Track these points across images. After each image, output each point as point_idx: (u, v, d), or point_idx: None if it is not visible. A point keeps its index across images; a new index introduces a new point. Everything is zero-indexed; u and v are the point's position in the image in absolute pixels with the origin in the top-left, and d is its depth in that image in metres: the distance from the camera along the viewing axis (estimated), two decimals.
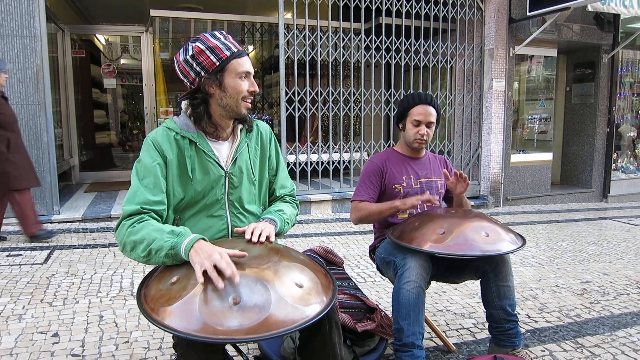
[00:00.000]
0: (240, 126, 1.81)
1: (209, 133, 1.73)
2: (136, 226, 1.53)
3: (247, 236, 1.60)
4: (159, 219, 1.62)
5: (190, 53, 1.65)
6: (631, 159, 8.70)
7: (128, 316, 2.77)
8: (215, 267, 1.35)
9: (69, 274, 3.48)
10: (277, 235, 1.79)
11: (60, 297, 3.05)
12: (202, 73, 1.65)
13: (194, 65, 1.65)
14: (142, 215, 1.57)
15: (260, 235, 1.60)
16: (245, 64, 1.68)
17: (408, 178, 2.41)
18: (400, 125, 2.47)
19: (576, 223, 6.15)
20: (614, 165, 8.14)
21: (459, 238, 1.94)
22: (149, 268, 1.52)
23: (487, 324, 2.72)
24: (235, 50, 1.67)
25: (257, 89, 1.71)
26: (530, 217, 6.46)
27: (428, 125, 2.36)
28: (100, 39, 8.88)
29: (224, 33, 1.71)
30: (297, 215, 1.97)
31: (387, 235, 2.19)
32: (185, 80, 1.72)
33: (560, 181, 8.46)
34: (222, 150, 1.78)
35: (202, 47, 1.65)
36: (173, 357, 2.28)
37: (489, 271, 2.16)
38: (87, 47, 7.72)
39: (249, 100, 1.72)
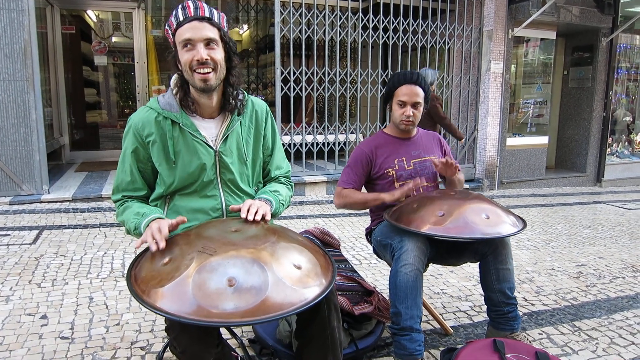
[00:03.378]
0: (230, 106, 1.71)
1: (189, 108, 1.65)
2: (120, 209, 1.68)
3: (243, 214, 1.53)
4: (144, 199, 1.71)
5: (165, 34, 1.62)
6: (626, 143, 8.70)
7: (119, 298, 2.72)
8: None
9: (58, 254, 3.41)
10: (272, 216, 1.73)
11: (49, 278, 2.98)
12: (173, 51, 1.61)
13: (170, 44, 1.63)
14: (124, 199, 1.69)
15: (256, 213, 1.53)
16: (186, 32, 1.53)
17: (400, 161, 2.34)
18: (388, 107, 2.40)
19: (571, 207, 6.15)
20: (608, 149, 8.14)
21: (458, 220, 1.89)
22: (140, 249, 1.46)
23: (484, 307, 2.71)
24: (182, 17, 1.55)
25: (202, 56, 1.52)
26: (525, 200, 6.45)
27: (414, 105, 2.28)
28: (92, 16, 8.65)
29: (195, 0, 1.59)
30: (291, 197, 1.91)
31: (385, 217, 2.13)
32: None
33: (555, 165, 8.45)
34: (210, 129, 1.70)
35: (167, 25, 1.63)
36: (165, 340, 2.24)
37: (489, 254, 2.12)
38: (77, 24, 7.52)
39: (202, 71, 1.54)
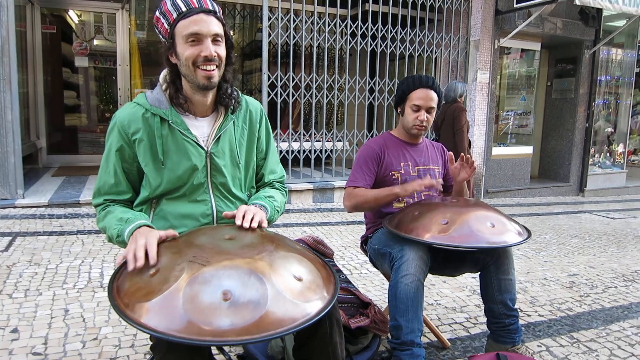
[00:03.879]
0: (225, 102, 1.60)
1: (180, 106, 1.52)
2: (101, 213, 1.54)
3: (238, 221, 1.41)
4: (128, 205, 1.57)
5: (153, 21, 1.48)
6: (607, 154, 8.81)
7: (97, 310, 2.56)
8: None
9: (32, 262, 3.22)
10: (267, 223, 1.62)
11: (21, 288, 2.80)
12: (165, 42, 1.48)
13: (159, 34, 1.50)
14: (107, 203, 1.55)
15: (252, 220, 1.42)
16: (192, 25, 1.41)
17: (406, 165, 2.26)
18: (399, 109, 2.30)
19: (556, 216, 6.16)
20: (591, 160, 8.22)
21: (463, 228, 1.80)
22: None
23: (480, 319, 2.64)
24: (185, 9, 1.43)
25: (210, 52, 1.42)
26: (511, 209, 6.44)
27: (428, 110, 2.20)
28: (74, 18, 8.43)
29: None
30: (285, 203, 1.80)
31: (384, 225, 2.03)
32: None
33: (539, 175, 8.50)
34: (202, 128, 1.58)
35: (158, 13, 1.48)
36: (147, 357, 2.09)
37: (490, 264, 2.03)
38: (58, 24, 7.30)
39: (208, 68, 1.45)
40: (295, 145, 5.92)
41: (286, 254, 1.30)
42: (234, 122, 1.63)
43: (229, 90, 1.56)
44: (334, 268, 1.42)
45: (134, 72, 7.27)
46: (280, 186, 1.81)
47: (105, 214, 1.52)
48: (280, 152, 5.80)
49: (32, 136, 6.76)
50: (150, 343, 1.37)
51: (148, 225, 1.40)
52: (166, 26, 1.47)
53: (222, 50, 1.48)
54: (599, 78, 8.14)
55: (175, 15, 1.43)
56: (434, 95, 2.19)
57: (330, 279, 1.34)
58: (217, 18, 1.47)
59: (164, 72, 1.56)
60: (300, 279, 1.23)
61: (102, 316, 2.48)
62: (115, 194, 1.55)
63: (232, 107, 1.60)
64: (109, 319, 2.45)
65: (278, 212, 1.67)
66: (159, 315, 1.10)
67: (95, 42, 8.88)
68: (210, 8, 1.45)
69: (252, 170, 1.73)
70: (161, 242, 1.33)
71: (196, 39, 1.43)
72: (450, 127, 5.17)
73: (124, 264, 1.33)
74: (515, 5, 6.43)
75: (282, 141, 5.84)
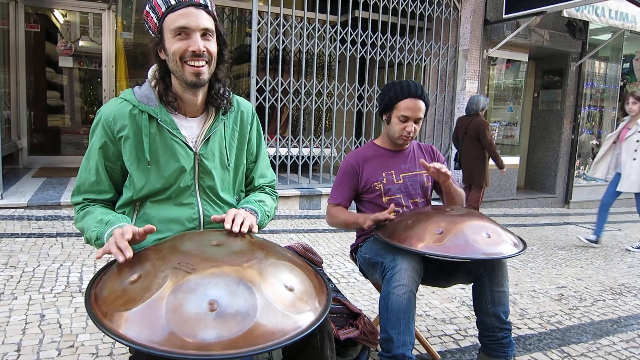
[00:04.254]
0: (216, 102, 1.53)
1: (170, 104, 1.45)
2: (79, 213, 1.47)
3: (227, 225, 1.34)
4: (108, 205, 1.50)
5: (143, 16, 1.41)
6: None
7: (74, 316, 2.45)
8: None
9: (8, 265, 3.09)
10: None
11: None
12: (155, 38, 1.41)
13: (149, 30, 1.44)
14: (86, 202, 1.48)
15: (242, 224, 1.34)
16: (180, 18, 1.35)
17: (389, 174, 2.19)
18: (384, 117, 2.21)
19: (543, 227, 6.17)
20: (576, 172, 8.29)
21: (458, 239, 1.75)
22: (102, 262, 1.25)
23: (469, 331, 2.59)
24: (174, 2, 1.36)
25: (198, 47, 1.35)
26: (498, 220, 6.35)
27: (416, 121, 2.13)
28: (59, 18, 8.26)
29: None
30: (276, 208, 1.73)
31: (376, 234, 1.96)
32: None
33: (525, 185, 8.54)
34: (191, 129, 1.51)
35: (147, 7, 1.42)
36: None
37: (484, 275, 1.99)
38: (43, 23, 7.15)
39: (196, 63, 1.38)
40: (283, 151, 5.85)
41: (277, 262, 1.23)
42: (224, 123, 1.56)
43: (221, 90, 1.50)
44: (325, 277, 1.35)
45: (120, 74, 7.14)
46: (271, 191, 1.74)
47: (84, 214, 1.45)
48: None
49: (13, 136, 6.58)
50: (130, 354, 1.28)
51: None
52: (155, 20, 1.41)
53: (212, 45, 1.42)
54: (584, 90, 8.23)
55: (164, 9, 1.37)
56: (423, 105, 2.11)
57: (322, 288, 1.27)
58: (208, 12, 1.40)
59: (153, 68, 1.49)
60: (291, 289, 1.17)
61: (79, 322, 2.38)
62: (96, 192, 1.48)
63: (223, 107, 1.53)
64: (87, 326, 2.34)
65: (268, 217, 1.61)
66: (140, 326, 1.03)
67: (81, 43, 8.72)
68: (201, 1, 1.39)
69: (242, 173, 1.66)
70: (140, 240, 1.27)
71: (184, 33, 1.36)
72: (473, 140, 5.21)
73: (106, 268, 1.26)
74: (504, 16, 6.47)
75: (269, 146, 5.77)
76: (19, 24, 6.53)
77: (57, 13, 7.85)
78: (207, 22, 1.39)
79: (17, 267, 3.07)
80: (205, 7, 1.39)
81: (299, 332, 1.08)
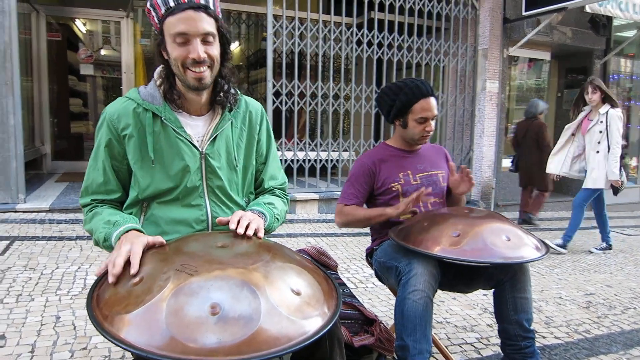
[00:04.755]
0: (220, 100, 1.50)
1: (174, 102, 1.42)
2: (88, 215, 1.44)
3: (232, 225, 1.30)
4: (116, 206, 1.46)
5: (146, 13, 1.39)
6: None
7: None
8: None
9: (27, 267, 3.12)
10: (265, 232, 1.50)
11: (13, 293, 2.70)
12: (158, 38, 1.38)
13: (152, 26, 1.41)
14: (95, 203, 1.45)
15: (248, 227, 1.30)
16: (179, 23, 1.30)
17: (405, 175, 2.13)
18: (398, 123, 2.14)
19: None
20: None
21: (476, 242, 1.67)
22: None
23: (491, 339, 2.50)
24: (173, 3, 1.32)
25: (199, 54, 1.31)
26: (523, 224, 6.26)
27: (433, 118, 2.09)
28: (81, 27, 8.43)
29: None
30: (287, 212, 1.68)
31: (391, 236, 1.90)
32: None
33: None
34: (197, 127, 1.47)
35: (148, 5, 1.37)
36: None
37: (505, 281, 1.90)
38: (64, 32, 7.29)
39: (198, 70, 1.34)
40: (301, 155, 5.82)
41: (284, 265, 1.18)
42: (231, 122, 1.52)
43: (226, 87, 1.46)
44: (336, 281, 1.29)
45: (139, 80, 7.23)
46: (282, 193, 1.69)
47: (93, 216, 1.42)
48: (285, 161, 5.71)
49: (37, 142, 6.72)
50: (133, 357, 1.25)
51: (137, 229, 1.29)
52: (156, 20, 1.38)
53: (213, 49, 1.37)
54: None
55: (163, 10, 1.34)
56: (435, 102, 2.08)
57: (332, 293, 1.21)
58: (209, 14, 1.35)
59: (160, 68, 1.46)
60: (298, 293, 1.12)
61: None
62: (104, 193, 1.46)
63: (229, 105, 1.49)
64: None
65: (278, 220, 1.56)
66: (139, 329, 0.99)
67: (103, 52, 8.89)
68: (202, 2, 1.34)
69: (251, 175, 1.62)
70: (148, 249, 1.22)
71: (184, 39, 1.32)
72: (532, 143, 5.13)
73: (106, 273, 1.22)
74: (524, 13, 6.32)
75: (287, 150, 5.75)
76: (40, 34, 6.67)
77: (78, 23, 8.02)
78: (208, 25, 1.34)
79: (36, 269, 3.09)
80: (205, 9, 1.33)
81: (305, 339, 1.02)
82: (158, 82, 1.44)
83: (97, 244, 1.39)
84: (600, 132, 4.47)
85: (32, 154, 6.22)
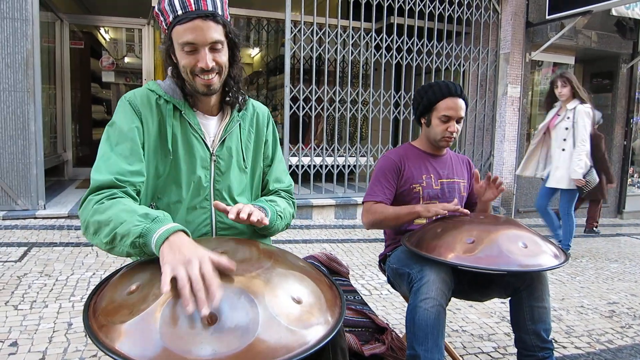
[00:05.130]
0: (230, 100, 1.50)
1: (188, 101, 1.43)
2: (105, 203, 1.22)
3: (231, 215, 1.27)
4: (135, 197, 1.32)
5: (155, 16, 1.38)
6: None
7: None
8: (190, 278, 0.99)
9: (43, 274, 3.15)
10: (267, 231, 1.47)
11: (28, 299, 2.72)
12: (167, 42, 1.37)
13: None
14: (115, 190, 1.26)
15: (250, 216, 1.28)
16: (187, 33, 1.29)
17: (428, 177, 2.08)
18: (423, 121, 2.11)
19: (593, 239, 5.81)
20: (630, 180, 7.80)
21: (491, 249, 1.61)
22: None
23: (509, 349, 2.41)
24: (181, 11, 1.29)
25: (207, 64, 1.31)
26: (544, 230, 6.08)
27: (458, 120, 2.03)
28: (105, 36, 8.59)
29: None
30: (292, 214, 1.64)
31: (403, 242, 1.85)
32: None
33: None
34: (210, 127, 1.47)
35: (157, 9, 1.36)
36: None
37: (522, 289, 1.83)
38: (88, 40, 7.44)
39: (206, 77, 1.34)
40: (318, 160, 5.79)
41: (285, 272, 1.15)
42: (240, 124, 1.52)
43: (235, 87, 1.46)
44: (341, 288, 1.25)
45: None
46: (287, 195, 1.67)
47: (114, 204, 1.20)
48: (302, 166, 5.68)
49: (59, 149, 6.84)
50: None
51: (185, 232, 1.14)
52: (164, 25, 1.37)
53: (222, 57, 1.36)
54: (637, 93, 7.76)
55: (171, 18, 1.33)
56: (463, 103, 2.02)
57: (336, 302, 1.17)
58: (217, 21, 1.33)
59: (170, 68, 1.46)
60: (299, 302, 1.08)
61: None
62: (129, 174, 1.29)
63: (238, 104, 1.49)
64: None
65: (282, 218, 1.52)
66: (133, 340, 0.96)
67: (127, 59, 9.05)
68: (210, 9, 1.31)
69: (259, 177, 1.61)
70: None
71: (192, 48, 1.32)
72: (596, 148, 5.00)
73: (109, 277, 1.20)
74: (547, 17, 6.19)
75: (304, 155, 5.72)
76: (64, 42, 6.81)
77: (102, 31, 8.18)
78: (216, 33, 1.32)
79: (52, 276, 3.12)
80: (213, 17, 1.31)
81: (306, 349, 0.98)
82: (175, 80, 1.44)
83: (111, 241, 1.16)
84: (567, 128, 4.28)
85: (54, 161, 6.34)
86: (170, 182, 1.41)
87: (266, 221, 1.32)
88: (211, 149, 1.45)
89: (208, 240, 1.33)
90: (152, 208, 1.43)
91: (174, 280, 1.00)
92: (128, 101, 1.38)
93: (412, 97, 2.22)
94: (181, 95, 1.42)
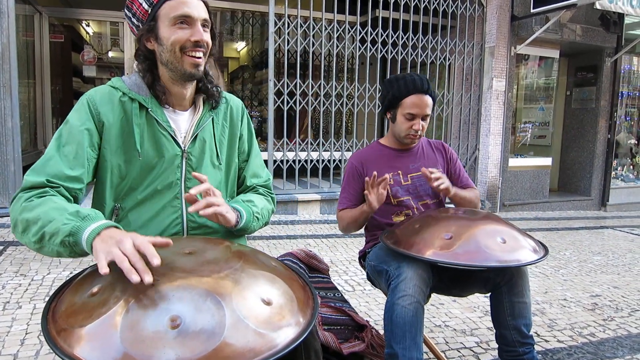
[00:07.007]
0: (202, 97, 1.45)
1: (158, 97, 1.37)
2: (34, 201, 1.17)
3: (193, 191, 1.24)
4: (70, 197, 1.26)
5: (126, 3, 1.32)
6: (630, 167, 8.44)
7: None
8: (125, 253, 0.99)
9: (18, 273, 3.07)
10: (244, 232, 1.44)
11: (1, 300, 2.65)
12: (140, 26, 1.32)
13: (131, 17, 1.34)
14: (46, 189, 1.21)
15: (210, 206, 1.26)
16: (182, 6, 1.28)
17: (396, 175, 2.05)
18: (389, 116, 2.08)
19: (577, 231, 5.85)
20: (613, 173, 7.87)
21: (469, 244, 1.59)
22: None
23: (492, 344, 2.40)
24: None
25: (202, 37, 1.30)
26: (529, 224, 6.14)
27: (424, 118, 1.99)
28: (88, 30, 8.42)
29: None
30: (271, 211, 1.60)
31: (381, 239, 1.82)
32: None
33: (558, 188, 8.17)
34: (180, 123, 1.42)
35: (126, 8, 1.33)
36: None
37: (502, 284, 1.81)
38: (69, 35, 7.29)
39: (196, 54, 1.31)
40: (303, 155, 5.75)
41: (255, 272, 1.11)
42: (213, 119, 1.47)
43: (209, 78, 1.43)
44: (314, 288, 1.21)
45: None
46: (266, 191, 1.63)
47: (44, 202, 1.16)
48: (287, 161, 5.64)
49: (39, 145, 6.70)
50: None
51: (117, 227, 1.11)
52: (145, 7, 1.32)
53: (209, 37, 1.35)
54: (621, 89, 7.82)
55: None
56: (430, 100, 1.98)
57: (308, 302, 1.13)
58: (205, 3, 1.35)
59: (138, 61, 1.40)
60: (269, 303, 1.04)
61: None
62: (66, 179, 1.24)
63: (214, 100, 1.45)
64: None
65: (258, 219, 1.48)
66: (92, 345, 0.92)
67: (111, 54, 8.89)
68: None
69: (234, 172, 1.57)
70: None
71: (186, 21, 1.30)
72: None
73: (71, 280, 1.16)
74: (532, 10, 6.19)
75: (289, 150, 5.68)
76: (43, 36, 6.64)
77: (85, 25, 8.01)
78: (205, 13, 1.34)
79: (27, 275, 3.05)
80: None
81: (274, 353, 0.94)
82: (141, 75, 1.38)
83: (40, 240, 1.13)
84: None
85: (34, 157, 6.20)
86: (138, 182, 1.36)
87: (232, 223, 1.30)
88: (182, 146, 1.40)
89: (176, 240, 1.28)
90: (117, 210, 1.38)
91: (113, 265, 0.99)
92: (87, 100, 1.33)
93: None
94: (148, 91, 1.37)
